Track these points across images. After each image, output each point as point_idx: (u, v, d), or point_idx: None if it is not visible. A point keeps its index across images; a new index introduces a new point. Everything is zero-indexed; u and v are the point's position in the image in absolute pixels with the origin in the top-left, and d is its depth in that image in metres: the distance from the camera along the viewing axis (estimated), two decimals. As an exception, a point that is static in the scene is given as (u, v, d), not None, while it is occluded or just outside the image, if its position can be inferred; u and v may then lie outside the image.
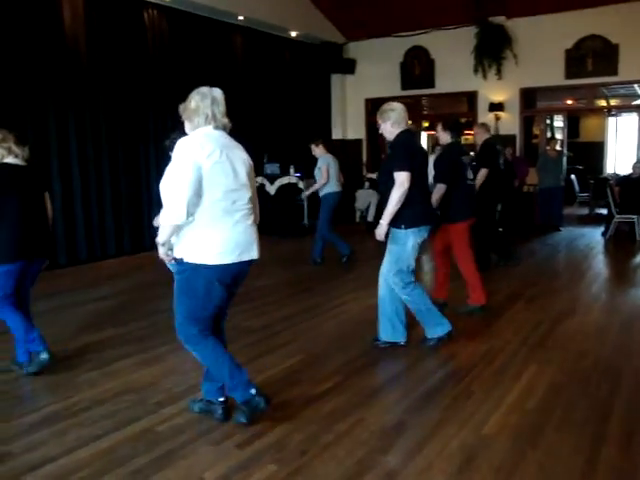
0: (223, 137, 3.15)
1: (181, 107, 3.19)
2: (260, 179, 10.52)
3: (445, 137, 5.42)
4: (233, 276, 3.16)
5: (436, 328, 4.48)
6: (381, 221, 4.27)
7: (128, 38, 8.48)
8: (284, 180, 10.29)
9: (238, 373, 3.19)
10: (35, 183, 4.16)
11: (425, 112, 13.52)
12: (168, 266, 3.36)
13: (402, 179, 4.15)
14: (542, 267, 7.63)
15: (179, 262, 3.13)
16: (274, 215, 10.32)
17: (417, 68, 11.89)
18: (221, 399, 3.35)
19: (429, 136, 15.43)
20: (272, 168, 10.63)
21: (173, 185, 2.97)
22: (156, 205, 7.82)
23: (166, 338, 4.83)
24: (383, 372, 4.07)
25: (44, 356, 4.04)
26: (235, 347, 4.51)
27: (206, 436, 3.18)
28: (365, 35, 12.06)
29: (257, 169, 10.61)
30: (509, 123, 11.01)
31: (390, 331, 4.48)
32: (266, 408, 3.24)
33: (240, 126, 11.06)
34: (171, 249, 3.14)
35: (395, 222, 4.25)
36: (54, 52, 7.58)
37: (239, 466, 2.88)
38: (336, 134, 12.60)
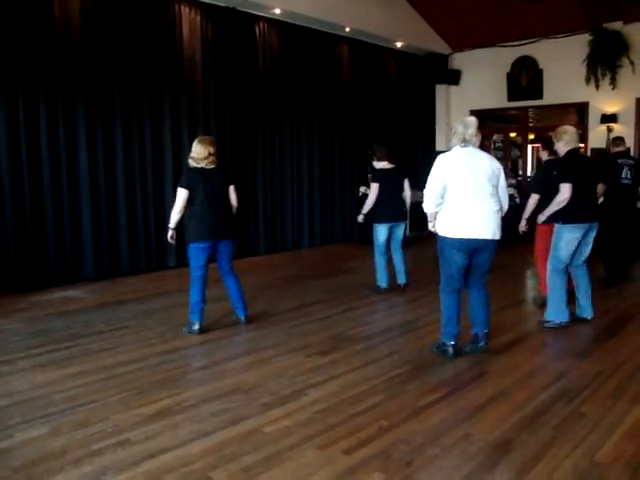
0: (469, 153, 4.35)
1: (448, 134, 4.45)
2: (363, 189, 10.59)
3: (544, 154, 6.30)
4: (472, 248, 4.35)
5: (558, 314, 5.24)
6: (540, 215, 5.48)
7: (240, 50, 8.83)
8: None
9: (452, 327, 4.48)
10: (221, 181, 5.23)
11: (531, 124, 13.12)
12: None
13: (565, 190, 5.07)
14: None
15: (438, 235, 4.44)
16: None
17: (524, 79, 11.57)
18: (452, 342, 4.54)
19: (534, 149, 14.94)
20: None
21: (427, 188, 4.36)
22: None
23: (274, 341, 5.00)
24: (489, 387, 3.97)
25: (196, 327, 5.16)
26: (339, 355, 4.62)
27: (313, 440, 3.23)
28: (471, 45, 11.89)
29: (362, 179, 10.80)
30: (623, 136, 10.42)
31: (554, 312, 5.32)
32: (453, 357, 4.47)
33: (345, 136, 11.28)
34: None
35: (555, 218, 5.23)
36: (169, 64, 8.01)
37: (345, 471, 2.91)
38: (440, 146, 12.47)
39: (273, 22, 9.25)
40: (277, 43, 9.39)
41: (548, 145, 6.20)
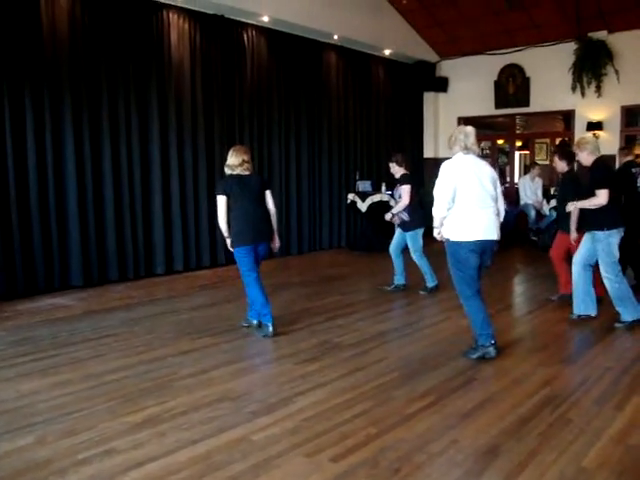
0: (472, 160, 4.58)
1: (448, 140, 4.68)
2: (352, 196, 10.65)
3: (562, 165, 6.36)
4: (481, 249, 4.56)
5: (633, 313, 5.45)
6: (575, 204, 5.57)
7: (229, 58, 8.84)
8: (375, 198, 10.31)
9: (487, 326, 4.64)
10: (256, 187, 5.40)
11: (518, 131, 13.23)
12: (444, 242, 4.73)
13: (604, 195, 5.26)
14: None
15: (447, 241, 4.58)
16: (365, 232, 10.41)
17: (511, 86, 11.68)
18: (493, 341, 4.68)
19: (521, 155, 15.05)
20: (364, 186, 10.74)
21: (439, 192, 4.50)
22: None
23: (262, 348, 5.00)
24: (477, 394, 3.99)
25: (270, 329, 5.25)
26: (327, 362, 4.61)
27: (300, 448, 3.22)
28: (458, 53, 12.00)
29: (350, 186, 10.84)
30: (608, 143, 10.56)
31: (583, 307, 5.64)
32: (495, 355, 4.61)
33: (333, 143, 11.26)
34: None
35: (597, 226, 5.39)
36: (158, 71, 8.01)
37: (333, 479, 2.91)
38: (428, 153, 12.55)
39: (262, 30, 9.28)
40: (265, 51, 9.42)
41: (567, 156, 6.29)
